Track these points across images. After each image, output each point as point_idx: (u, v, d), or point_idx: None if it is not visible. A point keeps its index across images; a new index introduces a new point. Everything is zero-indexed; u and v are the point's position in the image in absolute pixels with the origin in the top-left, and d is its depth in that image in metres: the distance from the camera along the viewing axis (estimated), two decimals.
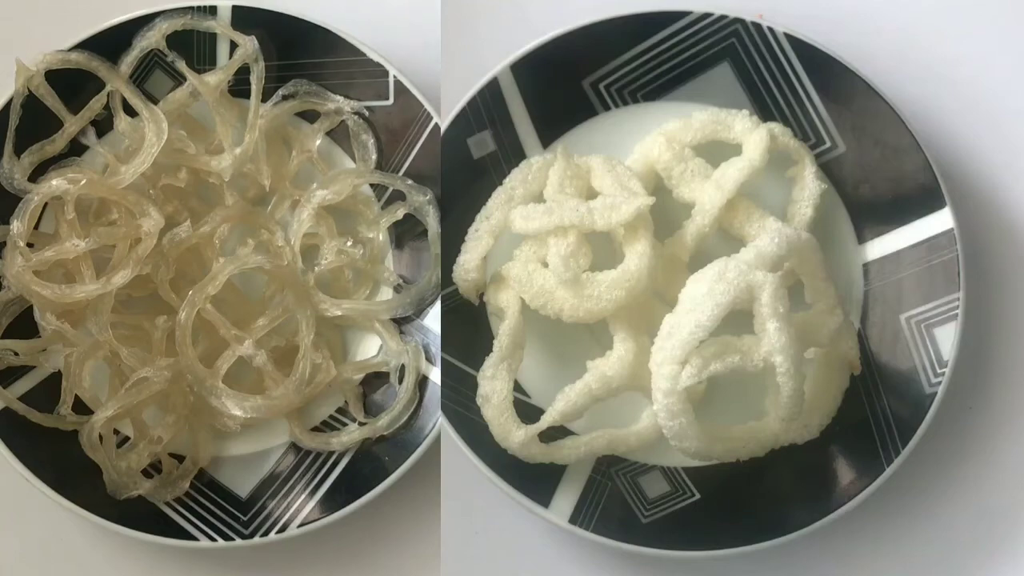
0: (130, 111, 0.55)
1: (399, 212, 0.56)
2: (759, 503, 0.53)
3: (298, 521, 0.54)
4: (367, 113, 0.57)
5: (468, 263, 0.53)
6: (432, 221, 0.56)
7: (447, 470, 0.55)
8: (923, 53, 0.58)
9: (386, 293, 0.57)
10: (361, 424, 0.56)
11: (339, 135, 0.57)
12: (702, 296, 0.48)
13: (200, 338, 0.54)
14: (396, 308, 0.56)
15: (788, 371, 0.48)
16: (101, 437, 0.53)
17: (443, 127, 0.54)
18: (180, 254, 0.55)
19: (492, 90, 0.54)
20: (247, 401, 0.53)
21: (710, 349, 0.48)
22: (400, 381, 0.56)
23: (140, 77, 0.56)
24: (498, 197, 0.53)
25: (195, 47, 0.56)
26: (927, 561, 0.56)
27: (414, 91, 0.55)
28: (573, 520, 0.52)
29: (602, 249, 0.52)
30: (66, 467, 0.53)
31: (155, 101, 0.56)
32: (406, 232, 0.57)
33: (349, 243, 0.56)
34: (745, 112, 0.54)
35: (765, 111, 0.55)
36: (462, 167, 0.54)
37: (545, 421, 0.51)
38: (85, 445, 0.53)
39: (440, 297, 0.54)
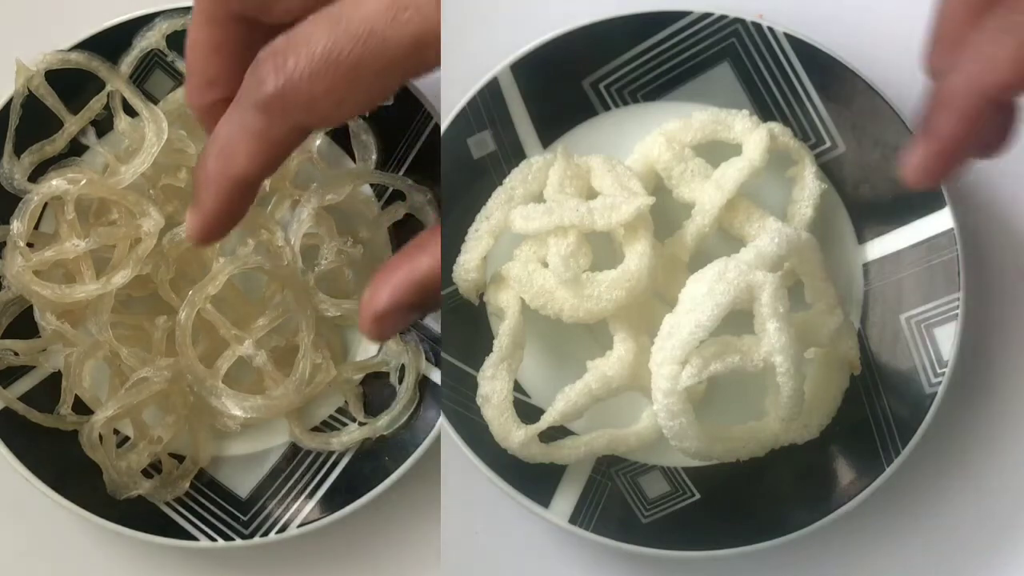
0: (130, 111, 0.55)
1: (399, 212, 0.56)
2: (759, 503, 0.53)
3: (298, 521, 0.54)
4: (367, 113, 0.56)
5: (468, 263, 0.53)
6: (432, 221, 0.56)
7: (447, 470, 0.55)
8: None
9: None
10: (361, 424, 0.56)
11: (339, 135, 0.57)
12: (702, 296, 0.48)
13: (200, 338, 0.54)
14: None
15: (788, 371, 0.48)
16: (101, 437, 0.53)
17: (443, 127, 0.54)
18: (180, 254, 0.55)
19: (492, 90, 0.54)
20: (247, 401, 0.53)
21: (710, 349, 0.48)
22: (400, 381, 0.56)
23: (140, 77, 0.56)
24: (498, 197, 0.53)
25: None
26: (927, 561, 0.56)
27: (414, 91, 0.55)
28: (573, 520, 0.52)
29: (602, 249, 0.52)
30: (66, 467, 0.53)
31: (155, 101, 0.56)
32: (406, 232, 0.57)
33: (349, 243, 0.56)
34: (745, 112, 0.54)
35: (765, 111, 0.55)
36: (462, 167, 0.54)
37: (545, 421, 0.51)
38: (85, 445, 0.53)
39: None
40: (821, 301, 0.52)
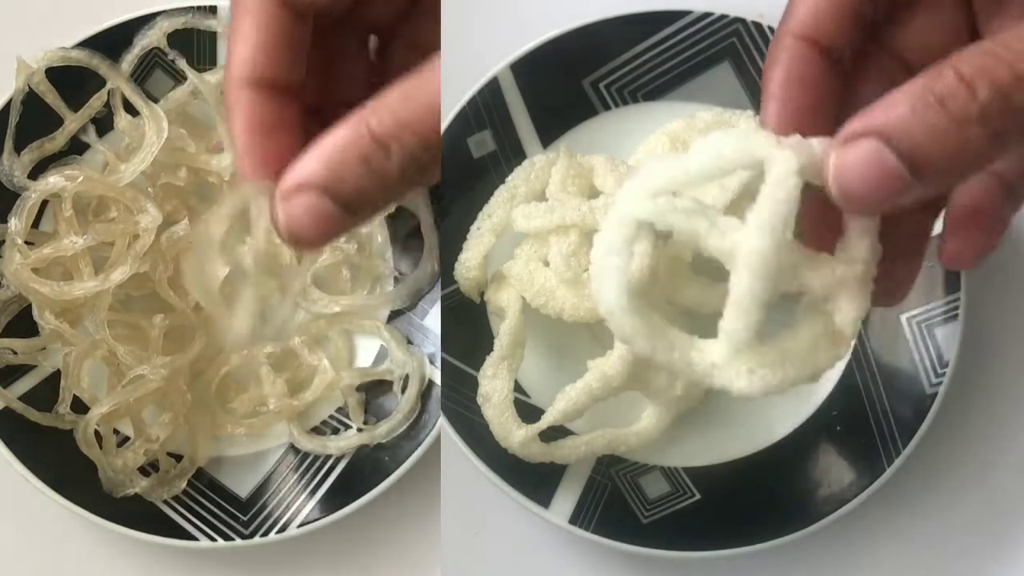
0: (131, 110, 0.55)
1: None
2: (759, 503, 0.53)
3: (298, 521, 0.54)
4: None
5: (470, 260, 0.53)
6: (423, 212, 0.56)
7: (447, 470, 0.55)
8: None
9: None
10: (359, 430, 0.55)
11: None
12: (703, 145, 0.36)
13: (199, 336, 0.54)
14: (393, 301, 0.56)
15: (751, 266, 0.34)
16: (98, 434, 0.53)
17: (443, 127, 0.54)
18: (178, 252, 0.55)
19: (492, 90, 0.54)
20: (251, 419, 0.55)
21: (680, 202, 0.37)
22: (403, 391, 0.55)
23: (141, 76, 0.56)
24: (500, 195, 0.53)
25: (195, 46, 0.56)
26: (927, 561, 0.56)
27: None
28: (573, 520, 0.52)
29: None
30: (66, 467, 0.53)
31: (155, 100, 0.56)
32: (405, 228, 0.57)
33: (343, 240, 0.56)
34: (749, 112, 0.54)
35: None
36: (462, 167, 0.54)
37: (546, 420, 0.51)
38: (80, 442, 0.53)
39: (440, 296, 0.54)
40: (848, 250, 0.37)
